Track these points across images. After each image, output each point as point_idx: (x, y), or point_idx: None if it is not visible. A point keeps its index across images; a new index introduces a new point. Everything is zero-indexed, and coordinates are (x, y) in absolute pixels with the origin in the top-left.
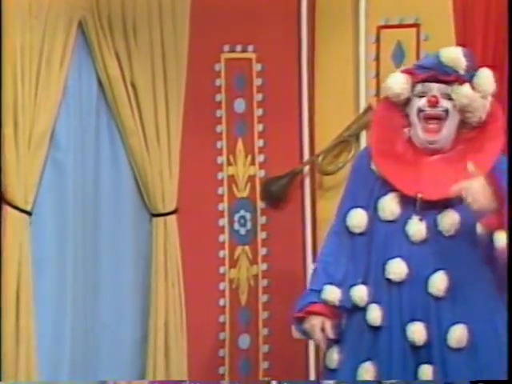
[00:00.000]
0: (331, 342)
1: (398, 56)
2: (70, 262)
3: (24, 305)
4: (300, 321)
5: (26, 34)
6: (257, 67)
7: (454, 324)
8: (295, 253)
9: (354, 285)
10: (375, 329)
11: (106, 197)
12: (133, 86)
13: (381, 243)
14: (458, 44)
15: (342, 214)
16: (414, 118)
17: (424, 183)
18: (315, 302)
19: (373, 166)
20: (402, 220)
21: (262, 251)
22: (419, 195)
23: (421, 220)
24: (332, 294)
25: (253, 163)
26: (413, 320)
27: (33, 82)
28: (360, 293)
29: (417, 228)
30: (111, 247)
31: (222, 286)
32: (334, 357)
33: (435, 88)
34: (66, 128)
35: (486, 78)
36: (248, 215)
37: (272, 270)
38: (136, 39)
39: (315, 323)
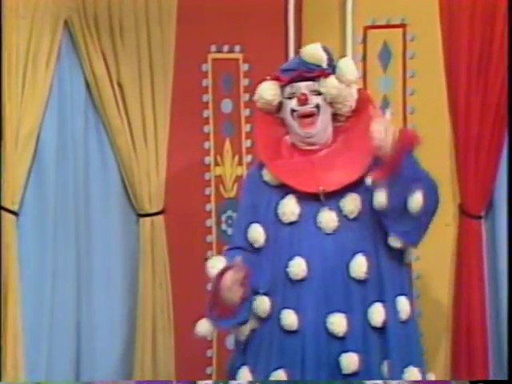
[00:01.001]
0: (240, 362)
1: (385, 56)
2: (57, 263)
3: (11, 305)
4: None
5: (13, 33)
6: (244, 67)
7: (372, 303)
8: None
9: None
10: (288, 333)
11: (94, 197)
12: (119, 85)
13: (288, 246)
14: (445, 44)
15: (243, 229)
16: (288, 119)
17: (320, 178)
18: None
19: (265, 178)
20: (309, 217)
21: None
22: (321, 188)
23: (331, 210)
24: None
25: (240, 163)
26: (331, 311)
27: (19, 82)
28: (263, 304)
29: (329, 216)
30: (98, 247)
31: (209, 286)
32: (247, 376)
33: (303, 86)
34: (52, 128)
35: (348, 67)
36: (235, 215)
37: None
38: (122, 39)
39: (226, 279)
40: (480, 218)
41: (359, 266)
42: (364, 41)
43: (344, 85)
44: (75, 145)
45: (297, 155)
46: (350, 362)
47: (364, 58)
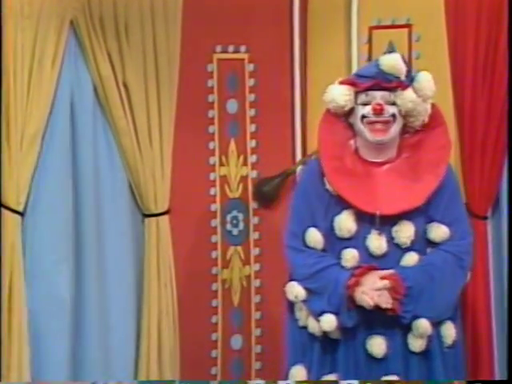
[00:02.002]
0: (295, 360)
1: None
2: (62, 263)
3: (16, 306)
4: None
5: (18, 34)
6: (249, 67)
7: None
8: None
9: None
10: (335, 341)
11: (100, 197)
12: (125, 86)
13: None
14: (450, 45)
15: (301, 232)
16: (359, 125)
17: (380, 198)
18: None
19: (326, 184)
20: (361, 236)
21: (255, 252)
22: (378, 212)
23: (380, 234)
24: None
25: (245, 164)
26: (371, 334)
27: (25, 83)
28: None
29: (378, 243)
30: (104, 247)
31: (214, 286)
32: (302, 375)
33: (379, 96)
34: (58, 129)
35: (427, 81)
36: (240, 216)
37: (264, 271)
38: (128, 39)
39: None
40: (486, 218)
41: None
42: (369, 41)
43: (420, 99)
44: (83, 145)
45: (359, 165)
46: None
47: (369, 59)
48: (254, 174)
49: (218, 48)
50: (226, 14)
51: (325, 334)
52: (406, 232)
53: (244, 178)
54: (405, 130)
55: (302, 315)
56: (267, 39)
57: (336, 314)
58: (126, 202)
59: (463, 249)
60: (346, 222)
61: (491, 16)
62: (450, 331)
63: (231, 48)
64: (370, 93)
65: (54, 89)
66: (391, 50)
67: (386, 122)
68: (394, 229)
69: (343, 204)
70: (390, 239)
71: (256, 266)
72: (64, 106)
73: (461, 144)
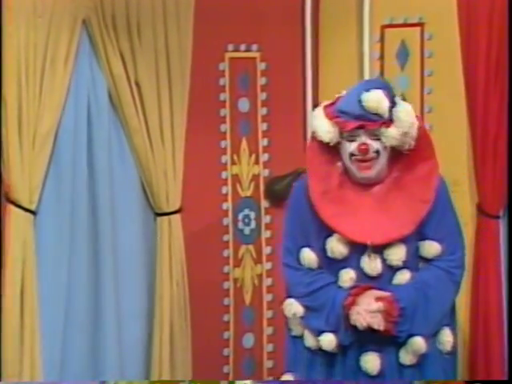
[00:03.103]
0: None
1: (403, 55)
2: (74, 261)
3: (28, 304)
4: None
5: (31, 33)
6: (261, 66)
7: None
8: None
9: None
10: (330, 355)
11: (112, 196)
12: (137, 85)
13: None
14: (463, 43)
15: (295, 249)
16: (347, 161)
17: (369, 227)
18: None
19: (319, 214)
20: (354, 257)
21: (266, 250)
22: (369, 242)
23: (375, 258)
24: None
25: (257, 162)
26: (365, 351)
27: (37, 81)
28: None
29: (373, 265)
30: (116, 246)
31: (226, 285)
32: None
33: (363, 133)
34: (70, 127)
35: (404, 118)
36: (252, 214)
37: (276, 269)
38: (140, 38)
39: (368, 296)
40: (498, 217)
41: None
42: (381, 40)
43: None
44: (97, 144)
45: (348, 187)
46: None
47: (381, 57)
48: (265, 172)
49: (230, 47)
50: (237, 12)
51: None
52: (397, 254)
53: (256, 177)
54: (393, 152)
55: (295, 325)
56: (279, 38)
57: (334, 332)
58: (138, 201)
59: (455, 263)
60: (337, 246)
61: (503, 14)
62: (448, 338)
63: (243, 47)
64: (356, 130)
65: (66, 88)
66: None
67: (371, 159)
68: (386, 252)
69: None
70: (383, 260)
71: (268, 265)
72: (78, 105)
73: (473, 143)
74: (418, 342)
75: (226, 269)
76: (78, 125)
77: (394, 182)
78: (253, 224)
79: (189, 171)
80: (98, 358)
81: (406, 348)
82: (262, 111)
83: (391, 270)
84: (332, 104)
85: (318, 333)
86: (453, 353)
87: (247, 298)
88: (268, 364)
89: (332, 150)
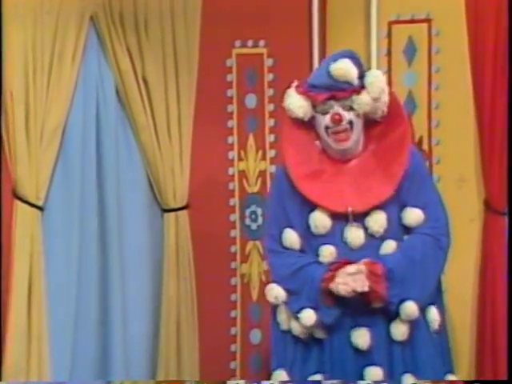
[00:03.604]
0: (277, 365)
1: (410, 51)
2: (81, 257)
3: (36, 300)
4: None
5: (38, 29)
6: (268, 62)
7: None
8: None
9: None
10: (320, 340)
11: (120, 192)
12: (144, 81)
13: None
14: (470, 39)
15: (278, 234)
16: (323, 134)
17: (349, 197)
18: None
19: (299, 190)
20: (337, 230)
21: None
22: (350, 209)
23: (358, 227)
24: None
25: (264, 158)
26: (355, 326)
27: (45, 77)
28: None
29: (355, 234)
30: (123, 242)
31: (233, 281)
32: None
33: (335, 104)
34: (78, 123)
35: (374, 84)
36: (259, 210)
37: None
38: (147, 34)
39: (352, 271)
40: (505, 214)
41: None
42: (389, 36)
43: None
44: (105, 141)
45: (327, 164)
46: (373, 375)
47: (389, 53)
48: (272, 168)
49: (237, 43)
50: (244, 8)
51: (309, 335)
52: (378, 221)
53: (263, 173)
54: (368, 123)
55: (283, 318)
56: (286, 34)
57: (315, 309)
58: (145, 197)
59: (440, 231)
60: (320, 219)
61: (511, 2)
62: (434, 316)
63: (250, 43)
64: (327, 102)
65: (74, 84)
66: None
67: (345, 130)
68: (367, 220)
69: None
70: (365, 230)
71: None
72: (86, 101)
73: (480, 139)
74: (410, 306)
75: (233, 265)
76: (85, 121)
77: (371, 154)
78: (260, 220)
79: (196, 167)
80: (105, 353)
81: (401, 317)
82: (269, 107)
83: (375, 240)
84: (304, 83)
85: (298, 310)
86: (440, 332)
87: (254, 294)
88: None
89: (309, 130)
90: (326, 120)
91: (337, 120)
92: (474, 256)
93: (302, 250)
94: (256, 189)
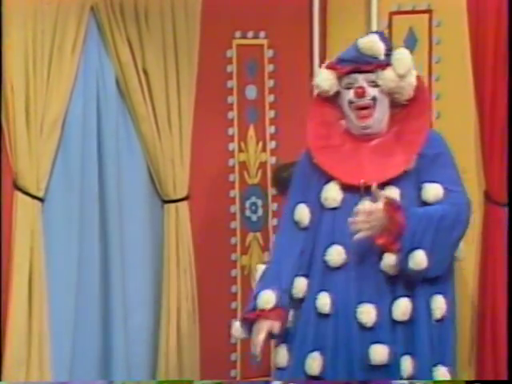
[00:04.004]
0: (279, 341)
1: (411, 42)
2: (82, 248)
3: (36, 291)
4: (249, 321)
5: (38, 20)
6: (268, 53)
7: (398, 298)
8: None
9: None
10: (321, 317)
11: (120, 183)
12: (145, 72)
13: (330, 231)
14: (471, 30)
15: (290, 210)
16: (346, 109)
17: (364, 170)
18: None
19: (315, 160)
20: (349, 205)
21: (274, 238)
22: (362, 181)
23: (370, 201)
24: (266, 300)
25: (264, 150)
26: (361, 302)
27: (45, 69)
28: (300, 284)
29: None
30: (123, 233)
31: (233, 272)
32: (283, 355)
33: (360, 78)
34: (78, 115)
35: (401, 60)
36: (259, 202)
37: None
38: (148, 25)
39: (261, 327)
40: (505, 205)
41: (389, 260)
42: (389, 27)
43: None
44: (106, 131)
45: (349, 142)
46: (377, 353)
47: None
48: (272, 160)
49: (238, 34)
50: None
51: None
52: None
53: (263, 164)
54: (394, 105)
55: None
56: (286, 25)
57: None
58: (145, 188)
59: (460, 209)
60: (331, 192)
61: (510, 2)
62: (438, 304)
63: (250, 34)
64: (352, 76)
65: (74, 75)
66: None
67: (368, 107)
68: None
69: (329, 175)
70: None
71: None
72: (87, 92)
73: (481, 130)
74: (420, 255)
75: (233, 256)
76: (86, 112)
77: (393, 135)
78: (260, 211)
79: (196, 158)
80: (106, 345)
81: (409, 265)
82: (270, 98)
83: None
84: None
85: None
86: (443, 322)
87: (255, 286)
88: None
89: (335, 108)
90: (349, 94)
91: (360, 93)
92: (474, 247)
93: (306, 229)
94: (256, 180)
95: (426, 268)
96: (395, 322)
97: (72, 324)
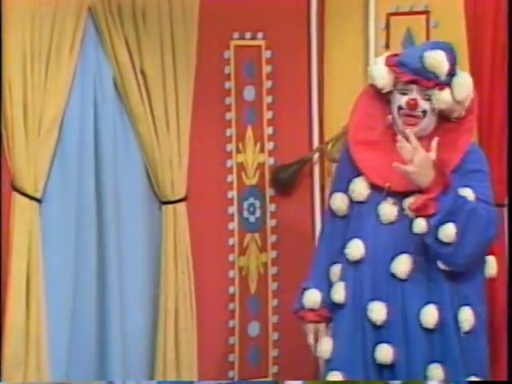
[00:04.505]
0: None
1: (408, 43)
2: (79, 249)
3: (34, 292)
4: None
5: (36, 20)
6: (266, 54)
7: (425, 305)
8: (304, 240)
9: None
10: (337, 307)
11: (117, 184)
12: (142, 73)
13: (354, 225)
14: (469, 31)
15: (329, 200)
16: (394, 111)
17: (394, 173)
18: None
19: (350, 153)
20: (374, 201)
21: (272, 239)
22: (387, 184)
23: (395, 204)
24: (312, 300)
25: (262, 151)
26: (373, 299)
27: (42, 69)
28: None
29: (389, 210)
30: (121, 235)
31: (231, 273)
32: (327, 346)
33: (416, 90)
34: (76, 116)
35: (462, 85)
36: (257, 203)
37: (281, 258)
38: (145, 26)
39: (309, 328)
40: (504, 205)
41: (402, 264)
42: (387, 28)
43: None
44: (101, 132)
45: (389, 139)
46: (383, 352)
47: (387, 45)
48: (270, 161)
49: (235, 34)
50: (243, 0)
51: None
52: None
53: (261, 165)
54: (442, 116)
55: None
56: (284, 26)
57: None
58: (143, 189)
59: (492, 216)
60: (358, 186)
61: (510, 2)
62: (466, 317)
63: (248, 35)
64: (410, 84)
65: (72, 75)
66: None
67: (416, 117)
68: (405, 200)
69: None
70: (401, 209)
71: (273, 254)
72: (84, 92)
73: (479, 131)
74: (451, 228)
75: (231, 257)
76: (83, 112)
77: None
78: (258, 212)
79: (194, 159)
80: (102, 346)
81: (439, 236)
82: (268, 99)
83: (407, 219)
84: (396, 55)
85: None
86: (472, 334)
87: (252, 287)
88: (273, 353)
89: (384, 103)
90: (401, 100)
91: (412, 105)
92: None
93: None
94: (254, 181)
95: (453, 246)
96: (421, 328)
97: (69, 325)
